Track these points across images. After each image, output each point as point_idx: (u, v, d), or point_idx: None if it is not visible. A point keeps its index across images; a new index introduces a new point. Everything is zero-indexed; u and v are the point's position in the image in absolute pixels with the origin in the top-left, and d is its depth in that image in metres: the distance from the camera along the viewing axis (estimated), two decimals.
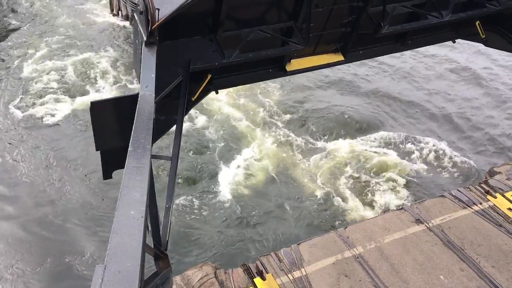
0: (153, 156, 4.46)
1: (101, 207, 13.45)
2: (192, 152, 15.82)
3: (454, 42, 9.36)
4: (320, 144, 16.71)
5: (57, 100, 18.18)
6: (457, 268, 9.26)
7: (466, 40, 9.39)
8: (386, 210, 13.11)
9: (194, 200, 13.81)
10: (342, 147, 16.52)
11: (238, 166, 15.37)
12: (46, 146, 15.76)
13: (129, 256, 2.72)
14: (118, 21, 25.79)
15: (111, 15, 27.72)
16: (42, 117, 17.20)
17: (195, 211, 13.48)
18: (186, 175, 14.62)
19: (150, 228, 4.94)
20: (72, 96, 18.51)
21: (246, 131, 17.11)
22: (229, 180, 14.70)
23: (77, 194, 13.93)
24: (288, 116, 18.08)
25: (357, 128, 17.66)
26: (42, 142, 15.92)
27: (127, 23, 25.06)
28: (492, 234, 9.99)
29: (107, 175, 5.88)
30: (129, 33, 23.68)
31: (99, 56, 21.62)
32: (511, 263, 9.36)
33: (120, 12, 27.71)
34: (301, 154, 16.16)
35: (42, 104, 17.90)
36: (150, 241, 4.93)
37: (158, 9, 5.08)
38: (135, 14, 5.58)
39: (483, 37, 8.91)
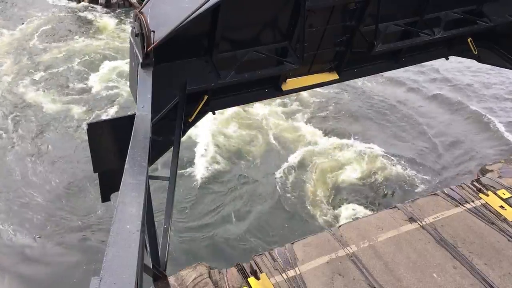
0: (151, 177, 4.49)
1: None
2: None
3: (447, 59, 9.49)
4: None
5: None
6: (450, 266, 9.30)
7: (459, 56, 9.52)
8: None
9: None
10: None
11: None
12: None
13: (125, 268, 2.72)
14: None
15: None
16: None
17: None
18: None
19: (148, 249, 4.92)
20: None
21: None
22: None
23: None
24: None
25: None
26: None
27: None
28: (485, 232, 10.05)
29: (105, 197, 5.89)
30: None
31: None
32: (503, 260, 9.42)
33: None
34: None
35: None
36: (148, 262, 4.89)
37: (154, 32, 5.13)
38: (131, 37, 5.61)
39: (475, 53, 9.05)
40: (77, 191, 14.02)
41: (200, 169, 15.17)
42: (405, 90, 20.94)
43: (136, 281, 2.66)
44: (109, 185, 5.71)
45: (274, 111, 18.51)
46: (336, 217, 13.51)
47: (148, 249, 4.96)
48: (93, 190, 13.84)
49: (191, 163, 15.43)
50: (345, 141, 17.01)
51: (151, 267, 5.01)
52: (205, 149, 16.10)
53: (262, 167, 15.66)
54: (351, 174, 15.27)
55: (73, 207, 13.49)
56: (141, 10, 5.20)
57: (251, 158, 16.00)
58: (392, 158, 16.12)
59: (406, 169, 15.60)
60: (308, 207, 13.88)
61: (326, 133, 17.33)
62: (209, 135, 16.70)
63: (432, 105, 19.85)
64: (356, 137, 17.18)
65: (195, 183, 14.63)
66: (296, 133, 17.36)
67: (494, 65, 9.38)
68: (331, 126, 17.84)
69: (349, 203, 14.14)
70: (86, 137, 5.13)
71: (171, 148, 6.12)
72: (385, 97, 20.21)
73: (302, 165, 15.68)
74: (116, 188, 5.07)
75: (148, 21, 5.16)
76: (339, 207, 13.93)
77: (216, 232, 12.77)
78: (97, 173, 5.71)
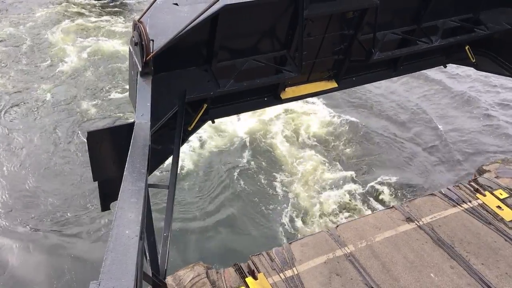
0: (150, 185, 4.51)
1: None
2: None
3: (445, 67, 9.53)
4: None
5: None
6: (447, 265, 9.36)
7: (457, 64, 9.58)
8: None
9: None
10: None
11: None
12: None
13: (124, 273, 2.76)
14: None
15: None
16: None
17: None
18: None
19: (148, 257, 4.94)
20: None
21: None
22: None
23: None
24: None
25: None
26: None
27: None
28: (482, 232, 10.10)
29: (105, 206, 5.92)
30: None
31: None
32: (500, 260, 9.48)
33: None
34: None
35: None
36: (148, 270, 4.91)
37: (153, 40, 5.16)
38: (130, 46, 5.64)
39: (473, 61, 9.09)
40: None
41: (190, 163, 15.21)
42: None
43: (134, 285, 2.69)
44: (109, 194, 5.73)
45: None
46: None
47: (148, 257, 4.98)
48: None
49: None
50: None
51: (151, 275, 5.04)
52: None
53: (264, 160, 15.66)
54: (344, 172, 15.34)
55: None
56: (140, 19, 5.21)
57: (250, 150, 16.02)
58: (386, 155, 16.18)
59: (403, 168, 15.65)
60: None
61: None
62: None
63: (428, 102, 19.87)
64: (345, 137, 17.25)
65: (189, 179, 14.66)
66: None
67: (491, 73, 9.43)
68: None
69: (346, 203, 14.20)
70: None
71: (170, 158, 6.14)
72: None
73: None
74: (116, 197, 5.10)
75: (147, 30, 5.19)
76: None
77: (214, 231, 12.79)
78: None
